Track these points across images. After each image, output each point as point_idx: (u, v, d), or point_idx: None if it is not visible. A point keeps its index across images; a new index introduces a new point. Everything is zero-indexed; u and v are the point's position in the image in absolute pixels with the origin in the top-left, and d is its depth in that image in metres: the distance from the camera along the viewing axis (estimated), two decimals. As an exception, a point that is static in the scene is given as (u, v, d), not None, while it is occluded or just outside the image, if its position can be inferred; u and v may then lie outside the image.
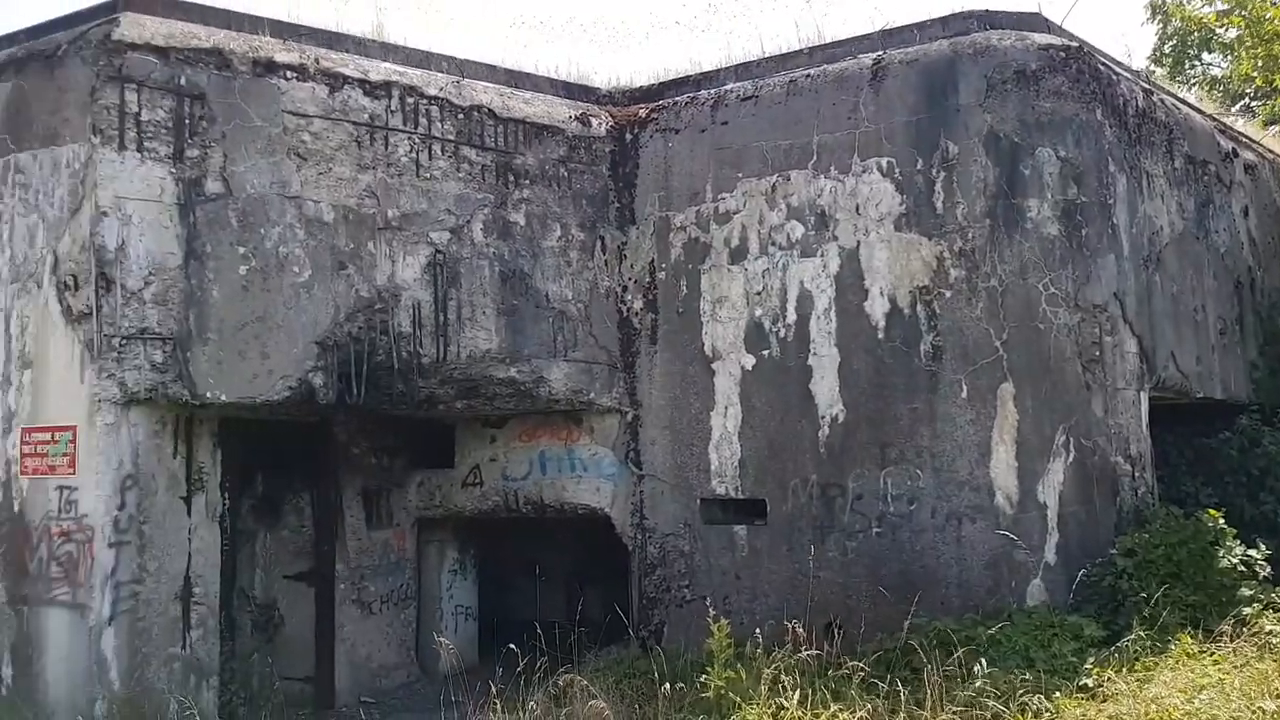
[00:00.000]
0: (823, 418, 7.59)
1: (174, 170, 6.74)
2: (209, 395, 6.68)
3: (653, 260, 8.27)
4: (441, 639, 8.41)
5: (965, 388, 7.11)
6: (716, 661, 6.14)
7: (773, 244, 7.86)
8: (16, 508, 6.73)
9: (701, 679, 6.18)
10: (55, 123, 6.76)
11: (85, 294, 6.51)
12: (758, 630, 6.42)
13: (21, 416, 6.75)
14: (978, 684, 5.61)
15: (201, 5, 7.21)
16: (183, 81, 6.80)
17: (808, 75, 7.97)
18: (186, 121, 6.81)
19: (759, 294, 7.88)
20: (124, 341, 6.48)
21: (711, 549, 7.93)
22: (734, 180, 8.00)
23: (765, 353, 7.82)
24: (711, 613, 6.45)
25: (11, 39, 7.33)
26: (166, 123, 6.75)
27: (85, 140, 6.58)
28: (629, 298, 8.35)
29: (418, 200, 7.57)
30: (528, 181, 8.02)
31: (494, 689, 6.19)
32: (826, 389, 7.59)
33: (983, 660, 5.86)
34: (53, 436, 6.57)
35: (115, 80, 6.60)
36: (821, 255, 7.69)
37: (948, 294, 7.21)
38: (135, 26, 6.75)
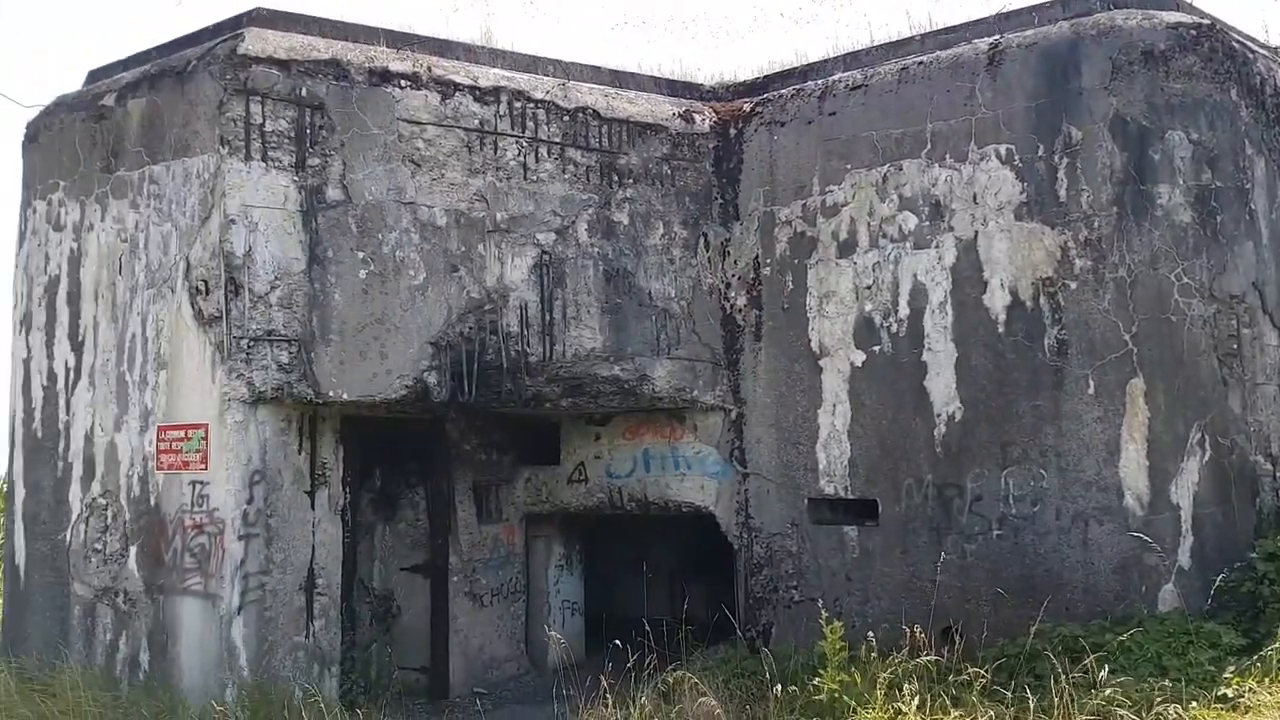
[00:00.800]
0: (938, 415, 7.42)
1: (296, 179, 7.05)
2: (331, 394, 6.97)
3: (757, 256, 8.23)
4: (552, 632, 8.62)
5: (1092, 383, 6.84)
6: (830, 664, 6.07)
7: (884, 236, 7.72)
8: (153, 501, 7.16)
9: (814, 681, 6.13)
10: (186, 135, 7.16)
11: (215, 298, 6.87)
12: (871, 634, 6.33)
13: (158, 415, 7.18)
14: (1107, 692, 5.41)
15: (320, 18, 7.53)
16: (303, 92, 7.11)
17: (920, 62, 7.78)
18: (307, 131, 7.11)
19: (869, 288, 7.74)
20: (252, 343, 6.81)
21: (821, 550, 7.84)
22: (842, 172, 7.88)
23: (876, 348, 7.68)
24: (824, 614, 6.37)
25: (145, 57, 7.80)
26: (289, 133, 7.06)
27: (214, 151, 6.94)
28: (732, 294, 8.33)
29: (525, 203, 7.72)
30: (631, 180, 8.08)
31: (604, 683, 6.28)
32: (942, 386, 7.41)
33: (1113, 668, 5.65)
34: (186, 434, 6.97)
35: (241, 93, 6.94)
36: (936, 247, 7.51)
37: (1073, 285, 6.95)
38: (259, 41, 7.09)
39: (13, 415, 8.25)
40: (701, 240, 8.29)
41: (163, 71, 7.40)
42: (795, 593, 7.95)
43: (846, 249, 7.85)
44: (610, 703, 6.27)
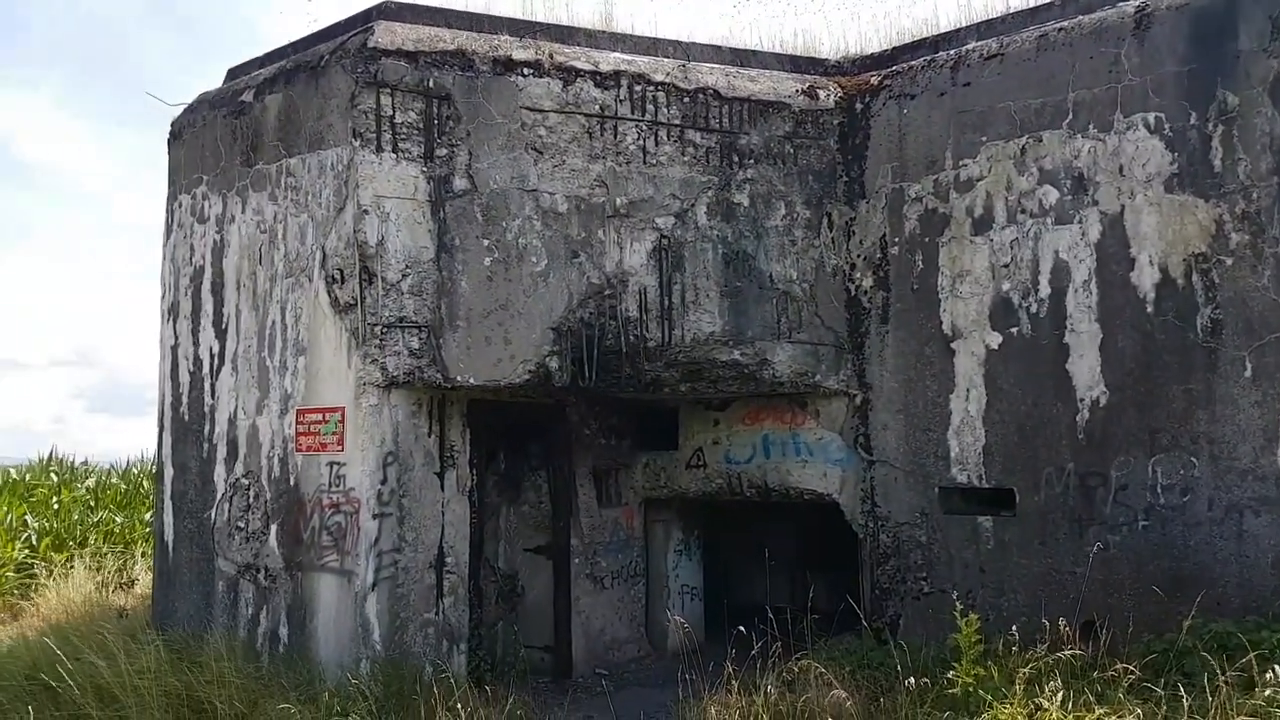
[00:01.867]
0: (1081, 400, 7.13)
1: (425, 169, 7.27)
2: (459, 378, 7.19)
3: (884, 235, 8.05)
4: (674, 616, 8.70)
5: (1249, 366, 6.46)
6: (965, 657, 5.93)
7: (1022, 211, 7.45)
8: (292, 481, 7.54)
9: (947, 675, 6.00)
10: (320, 128, 7.47)
11: (350, 286, 7.16)
12: (1005, 628, 6.15)
13: (297, 399, 7.54)
14: (1268, 693, 5.12)
15: (445, 9, 7.73)
16: (430, 84, 7.32)
17: (1060, 29, 7.46)
18: (435, 122, 7.32)
19: (1006, 266, 7.49)
20: (385, 330, 7.08)
21: (952, 540, 7.66)
22: (977, 145, 7.63)
23: (1013, 330, 7.43)
24: (957, 606, 6.23)
25: (280, 54, 8.16)
26: (417, 124, 7.28)
27: (347, 143, 7.22)
28: (857, 275, 8.18)
29: (644, 187, 7.76)
30: (752, 161, 8.02)
31: (729, 669, 6.30)
32: (1086, 369, 7.12)
33: (1276, 667, 5.33)
34: (324, 417, 7.31)
35: (371, 85, 7.19)
36: (1080, 222, 7.20)
37: (1229, 262, 6.56)
38: (388, 34, 7.32)
39: (161, 399, 8.80)
40: (825, 220, 8.17)
41: (297, 67, 7.74)
42: (924, 584, 7.79)
43: (982, 225, 7.61)
44: (735, 689, 6.29)
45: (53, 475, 14.59)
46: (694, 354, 7.81)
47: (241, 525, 7.88)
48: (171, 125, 8.88)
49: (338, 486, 7.22)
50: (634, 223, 7.70)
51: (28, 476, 15.32)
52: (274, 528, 7.63)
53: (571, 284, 7.51)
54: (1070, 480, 7.19)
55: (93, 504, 14.13)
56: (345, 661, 6.99)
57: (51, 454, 16.10)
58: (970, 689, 5.82)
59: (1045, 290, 7.33)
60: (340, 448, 7.21)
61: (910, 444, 7.86)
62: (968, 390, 7.61)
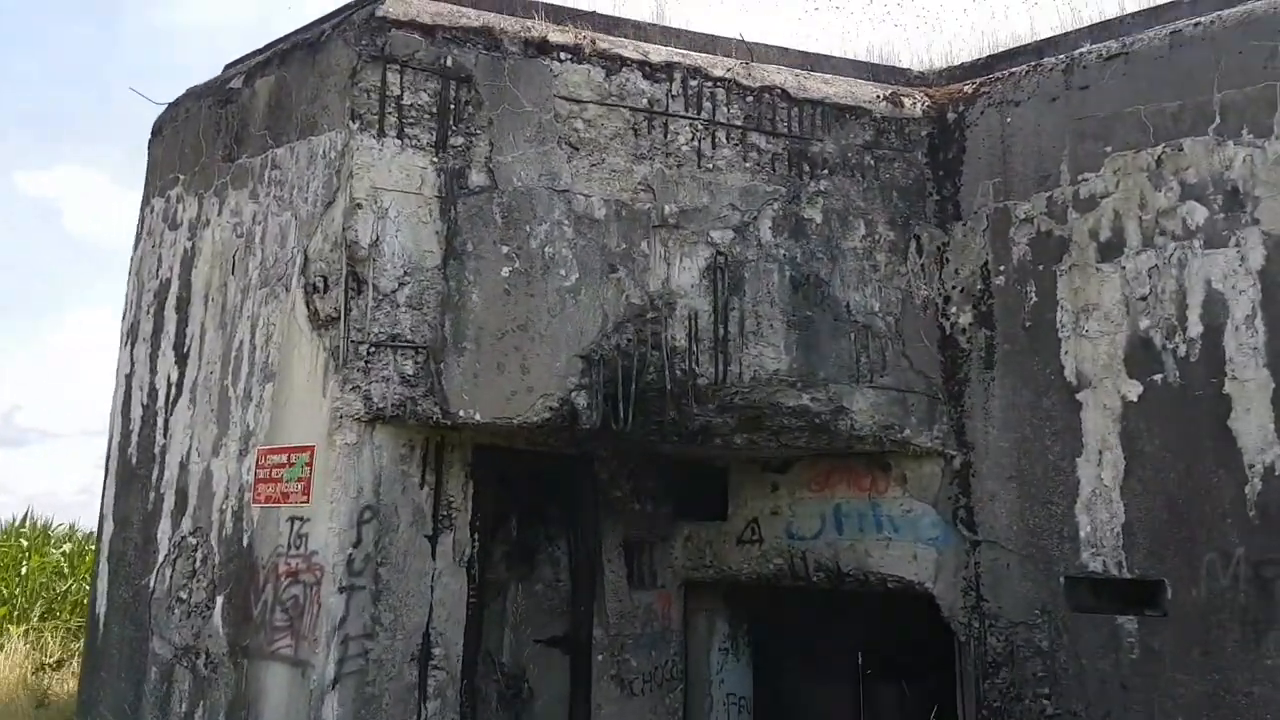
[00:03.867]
0: (1251, 466, 5.26)
1: (435, 160, 5.68)
2: (462, 414, 5.41)
3: (986, 262, 6.33)
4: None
5: None
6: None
7: (1161, 233, 5.73)
8: (246, 541, 5.69)
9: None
10: (314, 111, 5.93)
11: (334, 296, 5.48)
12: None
13: (259, 436, 5.76)
14: None
15: (469, -13, 6.27)
16: (448, 62, 5.80)
17: (1196, 24, 5.90)
18: (451, 106, 5.77)
19: (1143, 299, 5.72)
20: (372, 349, 5.35)
21: (1084, 647, 5.66)
22: (1100, 156, 5.97)
23: (1157, 377, 5.61)
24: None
25: (282, 40, 6.70)
26: (430, 107, 5.73)
27: (343, 126, 5.66)
28: (953, 310, 6.42)
29: (698, 194, 6.12)
30: (825, 171, 6.39)
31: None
32: (1255, 426, 5.27)
33: None
34: (289, 459, 5.51)
35: (377, 60, 5.68)
36: (1236, 245, 5.48)
37: None
38: (401, 4, 5.85)
39: (110, 439, 7.04)
40: (913, 243, 6.47)
41: (294, 45, 6.26)
42: (1048, 703, 5.74)
43: (1110, 251, 5.88)
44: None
45: (22, 540, 12.74)
46: (753, 396, 6.00)
47: (184, 596, 5.99)
48: (154, 124, 7.38)
49: (298, 549, 5.37)
50: (685, 235, 6.03)
51: (-2, 540, 13.41)
52: (220, 600, 5.75)
53: (607, 304, 5.79)
54: (1240, 570, 5.26)
55: (66, 571, 12.19)
56: (297, 780, 5.01)
57: (26, 515, 14.24)
58: None
59: (1196, 328, 5.55)
60: (305, 498, 5.38)
61: (1026, 520, 5.94)
62: (1100, 453, 5.74)
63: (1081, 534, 5.73)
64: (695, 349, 5.91)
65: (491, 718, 6.32)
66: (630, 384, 5.74)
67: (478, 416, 5.45)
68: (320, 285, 5.59)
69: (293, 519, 5.42)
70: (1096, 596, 5.72)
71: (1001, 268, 6.26)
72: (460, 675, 5.68)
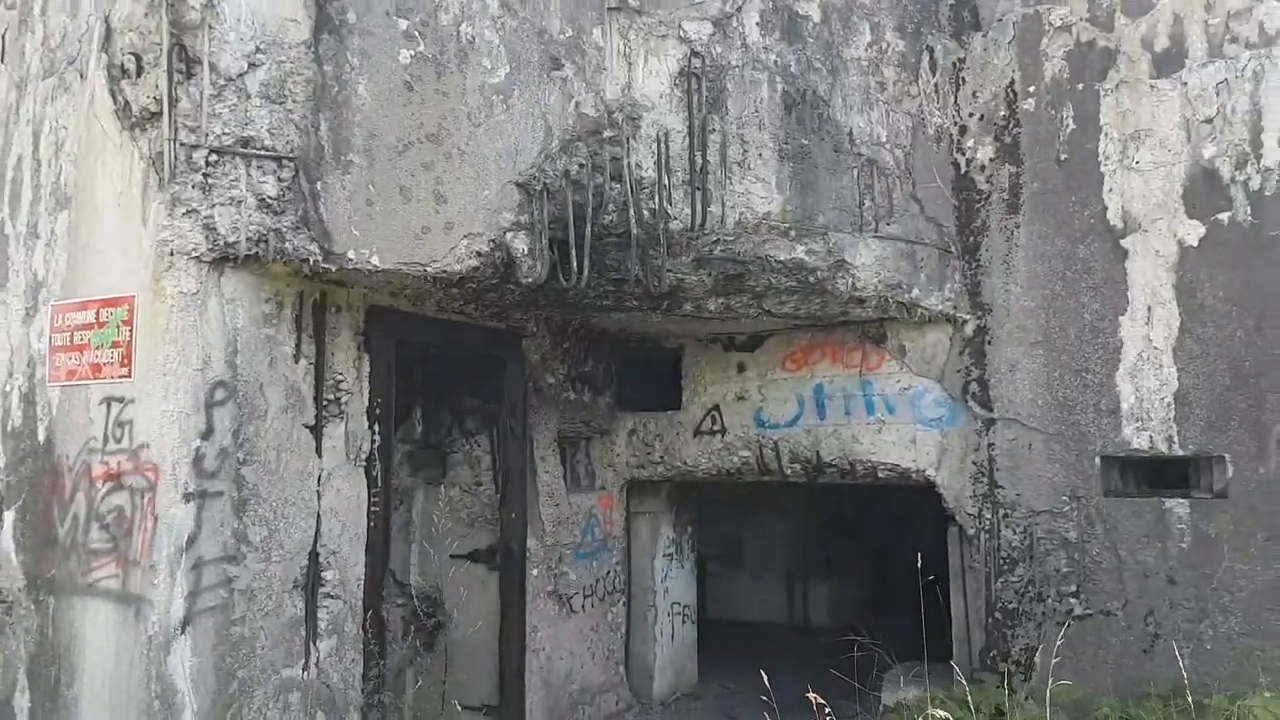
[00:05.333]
0: (1332, 321, 4.24)
1: (299, -107, 3.80)
2: (352, 255, 3.73)
3: (1011, 82, 4.99)
4: (660, 646, 5.40)
5: None
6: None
7: (1232, 40, 4.52)
8: (42, 435, 3.90)
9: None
10: None
11: (152, 80, 3.61)
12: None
13: (53, 288, 3.91)
14: None
15: None
16: None
17: None
18: None
19: (1209, 122, 4.54)
20: (214, 157, 3.56)
21: (1122, 536, 4.62)
22: (1159, -55, 4.68)
23: (1224, 216, 4.48)
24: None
25: None
26: None
27: None
28: (969, 144, 5.09)
29: (665, -26, 4.48)
30: (822, -39, 4.84)
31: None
32: (1339, 273, 4.23)
33: None
34: (97, 316, 3.70)
35: None
36: (1325, 54, 4.34)
37: None
38: None
39: None
40: (925, 58, 5.05)
41: None
42: (1075, 603, 4.71)
43: (1169, 64, 4.64)
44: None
45: None
46: (737, 247, 4.52)
47: (-43, 515, 4.15)
48: None
49: (119, 441, 3.63)
50: (651, 24, 4.40)
51: None
52: (8, 517, 3.97)
53: (550, 113, 4.16)
54: (1310, 444, 4.29)
55: None
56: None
57: None
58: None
59: (1274, 155, 4.43)
60: (125, 371, 3.63)
61: (1054, 393, 4.79)
62: (1149, 309, 4.61)
63: (1123, 406, 4.63)
64: (666, 182, 4.36)
65: (399, 652, 4.84)
66: (584, 225, 4.17)
67: (375, 260, 3.78)
68: (131, 67, 3.69)
69: (108, 400, 3.66)
70: (1139, 478, 4.68)
71: (1031, 89, 4.93)
72: (362, 604, 4.15)
